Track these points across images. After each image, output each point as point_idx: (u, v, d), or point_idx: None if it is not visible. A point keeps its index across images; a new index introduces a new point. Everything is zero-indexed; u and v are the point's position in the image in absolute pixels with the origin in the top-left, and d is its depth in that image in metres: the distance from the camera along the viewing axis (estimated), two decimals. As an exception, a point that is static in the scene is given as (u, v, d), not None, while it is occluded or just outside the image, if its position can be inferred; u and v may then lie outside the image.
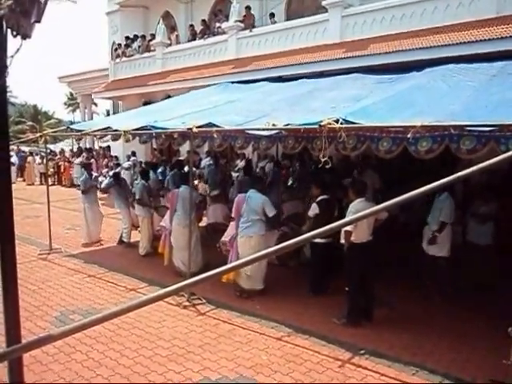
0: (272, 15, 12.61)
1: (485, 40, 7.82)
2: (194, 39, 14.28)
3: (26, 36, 1.74)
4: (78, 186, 18.52)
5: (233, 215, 6.48)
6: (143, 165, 12.75)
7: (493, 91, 5.61)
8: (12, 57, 1.73)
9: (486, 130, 3.92)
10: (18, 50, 1.73)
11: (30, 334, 4.77)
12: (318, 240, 5.76)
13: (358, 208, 5.03)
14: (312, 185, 6.50)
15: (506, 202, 6.54)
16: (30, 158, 21.90)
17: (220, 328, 5.26)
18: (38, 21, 1.77)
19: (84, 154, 19.72)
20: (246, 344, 4.85)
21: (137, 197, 8.24)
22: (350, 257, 5.33)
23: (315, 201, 6.13)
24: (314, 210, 6.00)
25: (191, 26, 14.93)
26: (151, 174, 9.59)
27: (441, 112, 4.74)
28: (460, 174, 1.85)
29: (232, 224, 6.65)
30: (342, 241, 5.34)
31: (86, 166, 10.46)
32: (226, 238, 6.59)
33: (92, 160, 18.40)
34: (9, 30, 1.68)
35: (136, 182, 9.01)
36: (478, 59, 7.46)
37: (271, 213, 6.12)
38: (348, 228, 5.11)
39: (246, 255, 5.86)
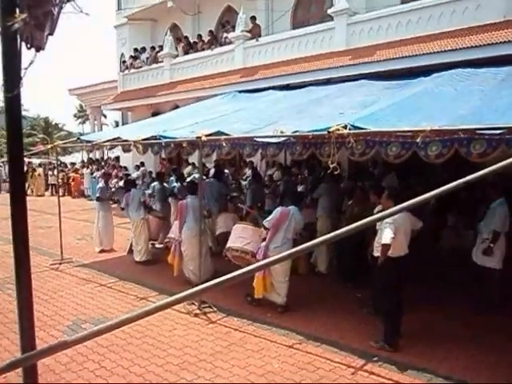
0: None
1: (491, 44, 7.82)
2: (203, 49, 14.43)
3: (39, 48, 1.79)
4: (88, 196, 18.96)
5: (268, 226, 5.91)
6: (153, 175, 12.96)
7: (502, 95, 5.59)
8: (26, 69, 1.77)
9: (496, 133, 3.90)
10: (31, 61, 1.78)
11: (42, 343, 4.79)
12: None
13: (395, 218, 4.55)
14: (371, 192, 6.02)
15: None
16: (39, 170, 22.17)
17: (231, 336, 5.25)
18: (51, 33, 1.81)
19: (94, 165, 19.95)
20: (257, 352, 4.83)
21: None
22: (387, 272, 4.83)
23: (377, 211, 5.42)
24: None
25: (199, 35, 15.11)
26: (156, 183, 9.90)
27: (450, 116, 4.73)
28: (469, 177, 1.86)
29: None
30: (377, 254, 4.95)
31: (105, 176, 11.02)
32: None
33: (102, 170, 18.58)
34: (23, 43, 1.72)
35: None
36: (485, 63, 7.45)
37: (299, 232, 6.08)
38: (387, 241, 4.66)
39: (278, 270, 5.81)
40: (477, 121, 4.23)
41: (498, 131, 3.86)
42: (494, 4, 8.16)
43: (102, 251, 9.34)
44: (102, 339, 4.92)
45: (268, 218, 5.98)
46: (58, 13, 1.66)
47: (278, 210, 6.00)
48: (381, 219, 3.94)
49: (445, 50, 8.36)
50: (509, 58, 7.40)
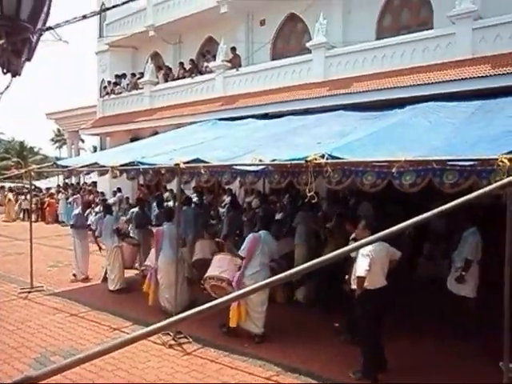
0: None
1: (462, 79, 8.19)
2: (184, 76, 14.60)
3: (15, 73, 1.77)
4: (63, 222, 18.49)
5: (243, 255, 5.91)
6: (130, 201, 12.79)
7: (472, 128, 5.82)
8: (1, 93, 1.75)
9: (467, 164, 4.03)
10: (7, 86, 1.76)
11: (6, 377, 4.55)
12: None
13: (371, 249, 4.57)
14: (346, 221, 5.98)
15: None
16: (10, 195, 21.62)
17: (207, 368, 5.09)
18: (29, 59, 1.81)
19: (70, 190, 19.58)
20: (233, 385, 4.70)
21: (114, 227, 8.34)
22: (363, 304, 4.79)
23: (352, 238, 5.42)
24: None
25: (181, 63, 15.31)
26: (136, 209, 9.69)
27: (423, 147, 4.87)
28: (445, 207, 1.90)
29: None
30: (354, 286, 4.89)
31: (85, 204, 10.67)
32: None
33: (78, 195, 18.25)
34: (-1, 68, 1.71)
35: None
36: (456, 97, 7.77)
37: (275, 256, 6.05)
38: (361, 274, 4.64)
39: (255, 300, 5.72)
40: (449, 152, 4.36)
41: (469, 163, 3.99)
42: (463, 42, 8.59)
43: (76, 280, 9.04)
44: (70, 373, 4.70)
45: (242, 247, 6.00)
46: (37, 40, 1.66)
47: (250, 236, 6.07)
48: (357, 249, 4.00)
49: (418, 84, 8.70)
50: (478, 92, 7.75)
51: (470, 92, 7.88)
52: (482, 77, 7.96)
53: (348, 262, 5.23)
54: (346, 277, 5.39)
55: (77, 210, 9.77)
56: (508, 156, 3.61)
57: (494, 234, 5.95)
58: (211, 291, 6.32)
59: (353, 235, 5.57)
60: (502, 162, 3.58)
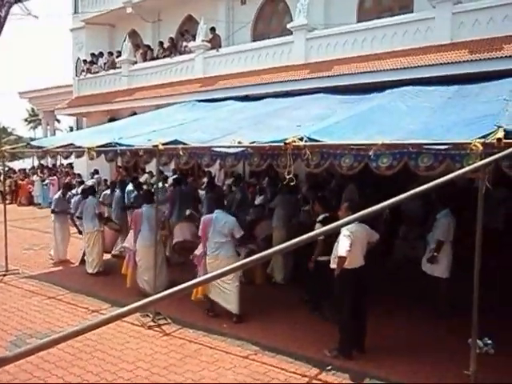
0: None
1: (440, 64, 8.27)
2: (164, 56, 14.30)
3: (-16, 48, 1.71)
4: (39, 204, 18.11)
5: (199, 235, 6.26)
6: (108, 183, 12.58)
7: (448, 112, 5.91)
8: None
9: (442, 148, 4.11)
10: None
11: (-18, 360, 4.50)
12: (323, 258, 5.45)
13: (352, 231, 4.73)
14: (315, 202, 6.25)
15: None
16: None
17: (186, 348, 5.15)
18: (-2, 34, 1.74)
19: (45, 171, 19.14)
20: (212, 364, 4.77)
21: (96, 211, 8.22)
22: (342, 284, 4.93)
23: (318, 220, 5.74)
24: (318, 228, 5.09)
25: (160, 42, 14.97)
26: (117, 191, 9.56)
27: (400, 131, 4.94)
28: (418, 189, 1.95)
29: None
30: (333, 266, 4.98)
31: (65, 187, 10.47)
32: (197, 251, 6.39)
33: (54, 177, 17.88)
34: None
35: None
36: (435, 82, 7.86)
37: (238, 234, 6.01)
38: (343, 254, 4.72)
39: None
40: (425, 136, 4.44)
41: (444, 146, 4.07)
42: (443, 27, 8.65)
43: (56, 263, 8.93)
44: (48, 355, 4.70)
45: None
46: (5, 15, 1.60)
47: (202, 219, 6.30)
48: (335, 229, 4.07)
49: (398, 68, 8.76)
50: (455, 77, 7.86)
51: (448, 77, 7.98)
52: (460, 62, 8.07)
53: (314, 243, 5.42)
54: (313, 257, 5.71)
55: (57, 195, 9.54)
56: (481, 141, 3.70)
57: (467, 217, 6.16)
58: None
59: (320, 217, 5.78)
60: (475, 146, 3.67)
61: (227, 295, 5.91)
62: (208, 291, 5.98)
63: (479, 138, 3.75)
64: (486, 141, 3.69)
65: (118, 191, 9.66)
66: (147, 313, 5.88)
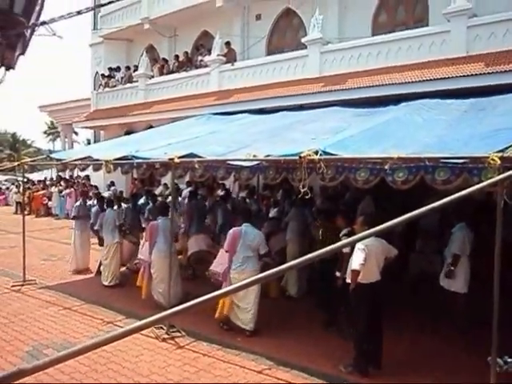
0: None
1: (456, 77, 8.22)
2: (179, 70, 14.53)
3: (9, 67, 1.77)
4: (56, 215, 18.39)
5: (226, 249, 6.09)
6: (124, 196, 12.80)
7: (464, 125, 5.86)
8: (-5, 87, 1.75)
9: (459, 161, 4.07)
10: (1, 80, 1.76)
11: (-1, 370, 4.56)
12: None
13: (367, 244, 4.67)
14: (337, 216, 6.04)
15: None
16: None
17: (200, 361, 5.13)
18: (23, 53, 1.81)
19: (62, 182, 19.46)
20: (226, 378, 4.73)
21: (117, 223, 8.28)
22: (357, 298, 4.86)
23: (343, 233, 5.58)
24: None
25: (176, 56, 15.23)
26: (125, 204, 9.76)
27: (416, 144, 4.91)
28: (436, 204, 1.93)
29: (222, 252, 6.40)
30: (348, 280, 4.93)
31: (82, 195, 10.88)
32: (215, 267, 6.37)
33: (71, 189, 18.16)
34: (-7, 62, 1.71)
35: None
36: (450, 95, 7.81)
37: (263, 250, 6.00)
38: (356, 267, 4.68)
39: (239, 295, 5.76)
40: (441, 149, 4.41)
41: (461, 160, 4.03)
42: (458, 40, 8.63)
43: (74, 272, 9.04)
44: (64, 366, 4.72)
45: (225, 243, 6.11)
46: (31, 34, 1.66)
47: (230, 231, 6.15)
48: (351, 244, 4.04)
49: (413, 81, 8.73)
50: (471, 90, 7.80)
51: (463, 90, 7.93)
52: (476, 75, 8.01)
53: (340, 257, 5.30)
54: (337, 273, 5.48)
55: (78, 202, 9.77)
56: (499, 154, 3.65)
57: (485, 231, 6.04)
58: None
59: (344, 231, 5.63)
60: (493, 160, 3.63)
61: (243, 316, 5.89)
62: (229, 312, 5.93)
63: (497, 151, 3.71)
64: (504, 155, 3.65)
65: (129, 205, 9.76)
66: (161, 325, 5.88)
